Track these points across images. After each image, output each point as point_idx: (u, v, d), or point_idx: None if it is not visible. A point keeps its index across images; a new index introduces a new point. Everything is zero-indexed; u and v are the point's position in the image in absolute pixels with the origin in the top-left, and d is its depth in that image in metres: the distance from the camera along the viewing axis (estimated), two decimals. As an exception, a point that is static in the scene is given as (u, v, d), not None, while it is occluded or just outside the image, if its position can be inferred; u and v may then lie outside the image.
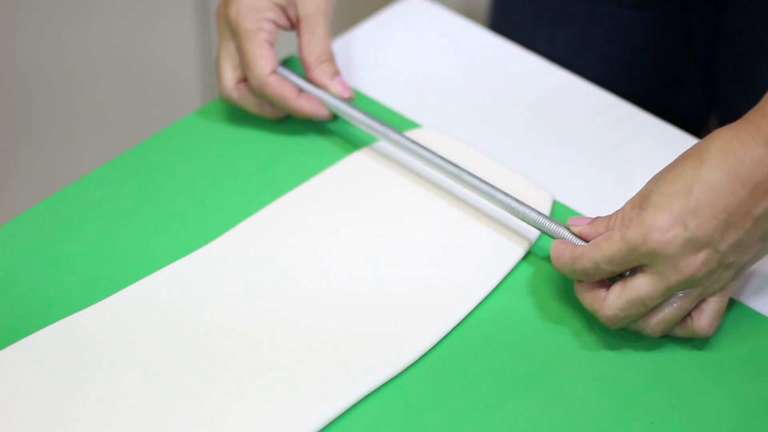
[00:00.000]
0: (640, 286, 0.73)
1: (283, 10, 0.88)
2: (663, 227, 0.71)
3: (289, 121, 0.91)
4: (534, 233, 0.82)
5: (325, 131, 0.91)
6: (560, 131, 0.91)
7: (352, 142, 0.90)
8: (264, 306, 0.77)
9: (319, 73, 0.88)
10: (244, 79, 0.89)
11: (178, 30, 1.80)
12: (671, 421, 0.72)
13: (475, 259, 0.81)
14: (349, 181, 0.86)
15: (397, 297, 0.78)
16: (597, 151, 0.89)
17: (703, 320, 0.74)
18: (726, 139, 0.71)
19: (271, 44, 0.88)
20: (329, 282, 0.79)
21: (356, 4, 0.96)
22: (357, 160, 0.88)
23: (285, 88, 0.87)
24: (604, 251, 0.73)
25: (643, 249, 0.72)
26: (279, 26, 0.88)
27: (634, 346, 0.76)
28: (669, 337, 0.76)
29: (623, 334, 0.77)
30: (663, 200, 0.72)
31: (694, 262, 0.72)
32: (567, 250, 0.75)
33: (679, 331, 0.75)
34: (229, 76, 0.88)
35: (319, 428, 0.71)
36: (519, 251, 0.81)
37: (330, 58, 0.89)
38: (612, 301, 0.74)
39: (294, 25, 0.89)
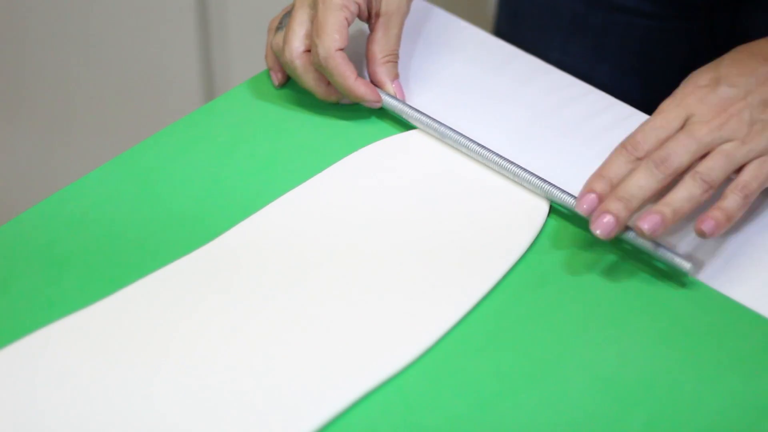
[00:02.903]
0: (693, 130, 0.79)
1: (368, 1, 0.89)
2: (696, 86, 0.80)
3: (289, 121, 0.91)
4: (534, 231, 0.82)
5: (325, 132, 0.91)
6: (560, 131, 0.91)
7: (353, 142, 0.90)
8: (263, 303, 0.77)
9: (383, 70, 0.90)
10: (309, 51, 0.89)
11: (179, 30, 1.80)
12: (669, 420, 0.72)
13: (474, 259, 0.81)
14: (350, 178, 0.86)
15: (397, 296, 0.78)
16: (596, 151, 0.89)
17: (742, 175, 0.78)
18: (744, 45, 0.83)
19: (347, 26, 0.88)
20: (328, 281, 0.79)
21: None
22: (362, 156, 0.88)
23: (347, 67, 0.88)
24: (654, 125, 0.79)
25: (681, 110, 0.79)
26: (359, 14, 0.89)
27: (632, 344, 0.76)
28: (667, 335, 0.76)
29: (622, 333, 0.77)
30: (691, 79, 0.81)
31: (730, 112, 0.78)
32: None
33: (731, 195, 0.78)
34: (298, 42, 0.88)
35: (318, 428, 0.71)
36: (518, 251, 0.81)
37: (395, 60, 0.90)
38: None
39: (369, 18, 0.90)
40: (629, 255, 0.82)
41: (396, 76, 0.90)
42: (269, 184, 0.86)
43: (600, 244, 0.82)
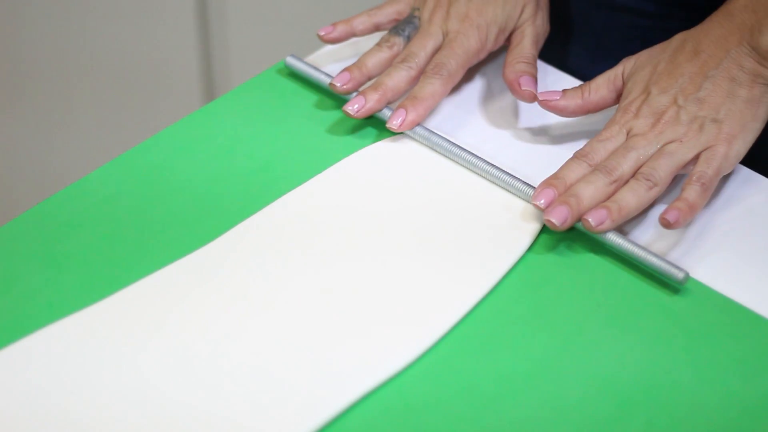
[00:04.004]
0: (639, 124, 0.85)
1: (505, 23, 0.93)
2: (631, 101, 0.85)
3: (289, 122, 0.91)
4: (533, 232, 0.82)
5: (324, 133, 0.91)
6: (558, 132, 0.91)
7: (353, 142, 0.90)
8: (263, 305, 0.77)
9: (509, 70, 0.92)
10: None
11: (179, 30, 1.80)
12: (668, 420, 0.72)
13: (474, 260, 0.81)
14: (349, 180, 0.87)
15: (396, 296, 0.78)
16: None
17: (696, 167, 0.82)
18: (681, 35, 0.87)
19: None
20: (328, 281, 0.79)
21: (358, 6, 0.97)
22: (361, 158, 0.88)
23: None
24: (601, 138, 0.85)
25: (622, 127, 0.84)
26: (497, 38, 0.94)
27: (632, 344, 0.76)
28: (667, 336, 0.77)
29: (622, 333, 0.77)
30: (632, 79, 0.87)
31: (664, 120, 0.83)
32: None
33: (688, 187, 0.82)
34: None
35: (318, 428, 0.71)
36: (517, 251, 0.81)
37: (525, 60, 0.92)
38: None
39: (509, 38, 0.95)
40: (628, 256, 0.82)
41: (523, 73, 0.91)
42: (269, 185, 0.86)
43: (599, 245, 0.82)
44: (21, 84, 1.86)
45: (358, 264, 0.80)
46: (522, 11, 0.93)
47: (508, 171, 0.86)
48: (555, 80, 0.96)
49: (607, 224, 0.80)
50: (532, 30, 0.93)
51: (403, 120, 0.88)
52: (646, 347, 0.76)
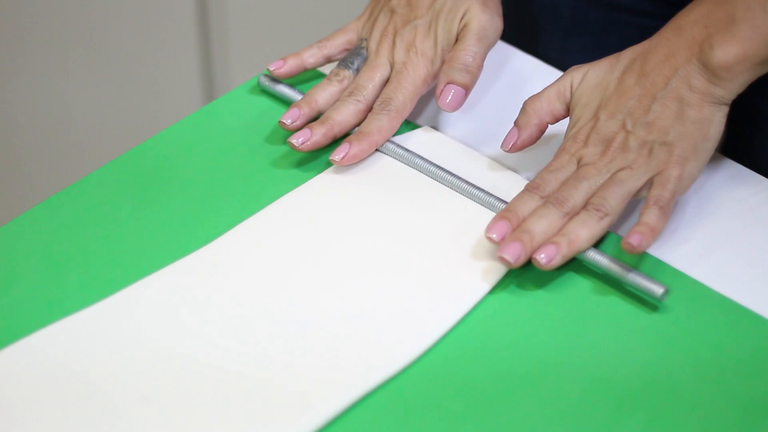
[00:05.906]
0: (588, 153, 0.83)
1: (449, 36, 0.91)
2: (580, 128, 0.84)
3: (288, 122, 0.92)
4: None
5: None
6: (558, 132, 0.91)
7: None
8: (263, 306, 0.77)
9: (441, 71, 0.90)
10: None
11: (179, 30, 1.81)
12: (668, 421, 0.73)
13: (473, 260, 0.81)
14: (344, 184, 0.87)
15: (395, 298, 0.78)
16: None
17: (651, 191, 0.81)
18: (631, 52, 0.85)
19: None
20: (327, 283, 0.79)
21: (356, 7, 0.97)
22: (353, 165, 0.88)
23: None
24: (551, 168, 0.83)
25: (572, 157, 0.83)
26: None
27: (631, 344, 0.76)
28: (667, 336, 0.77)
29: (621, 333, 0.77)
30: (581, 103, 0.85)
31: (614, 147, 0.82)
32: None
33: (646, 211, 0.80)
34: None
35: (317, 428, 0.71)
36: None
37: (457, 65, 0.89)
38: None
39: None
40: (627, 257, 0.82)
41: (452, 83, 0.89)
42: (269, 186, 0.86)
43: (599, 245, 0.82)
44: (20, 85, 1.86)
45: (357, 264, 0.80)
46: (463, 16, 0.90)
47: (482, 187, 0.86)
48: (553, 80, 0.95)
49: (557, 260, 0.79)
50: (477, 24, 0.90)
51: (345, 154, 0.87)
52: (646, 347, 0.76)
